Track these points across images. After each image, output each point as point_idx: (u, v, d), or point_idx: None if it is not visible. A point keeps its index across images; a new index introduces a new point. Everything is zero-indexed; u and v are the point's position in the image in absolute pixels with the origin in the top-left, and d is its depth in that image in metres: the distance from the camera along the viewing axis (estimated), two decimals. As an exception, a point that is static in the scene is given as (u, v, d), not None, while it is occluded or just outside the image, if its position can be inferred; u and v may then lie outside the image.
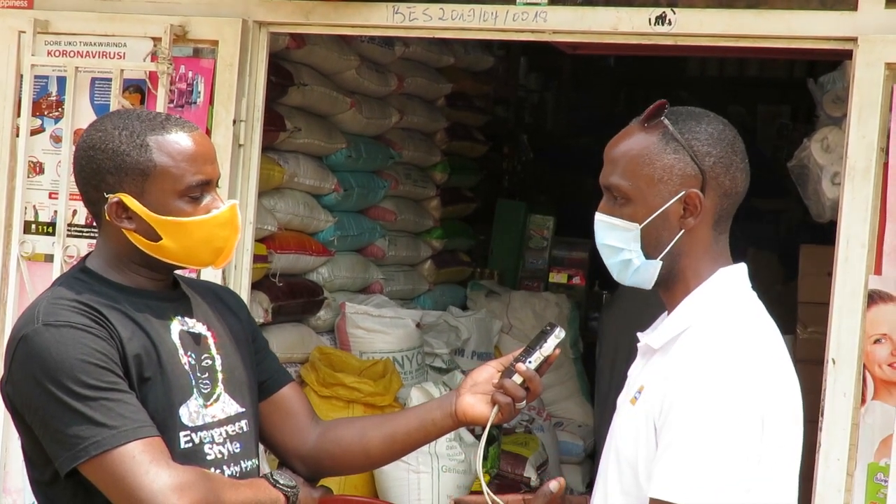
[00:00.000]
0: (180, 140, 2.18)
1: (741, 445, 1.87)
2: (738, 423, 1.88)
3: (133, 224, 2.19)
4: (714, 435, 1.87)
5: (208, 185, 2.22)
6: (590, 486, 5.78)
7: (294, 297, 4.86)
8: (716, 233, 2.06)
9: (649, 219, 2.03)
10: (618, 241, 2.07)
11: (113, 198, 2.17)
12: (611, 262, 2.10)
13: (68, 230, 4.01)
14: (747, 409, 1.89)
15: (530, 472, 5.31)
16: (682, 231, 2.03)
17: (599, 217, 2.10)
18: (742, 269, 2.10)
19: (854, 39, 3.37)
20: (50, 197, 4.06)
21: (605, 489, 2.06)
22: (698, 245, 2.05)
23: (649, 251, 2.05)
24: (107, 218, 2.19)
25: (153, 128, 2.18)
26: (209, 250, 2.24)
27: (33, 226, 4.07)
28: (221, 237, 2.24)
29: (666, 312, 2.14)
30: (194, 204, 2.20)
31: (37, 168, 4.08)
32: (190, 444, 2.18)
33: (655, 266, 2.06)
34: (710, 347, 1.95)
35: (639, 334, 2.17)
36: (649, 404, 1.98)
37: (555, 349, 2.30)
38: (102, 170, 2.17)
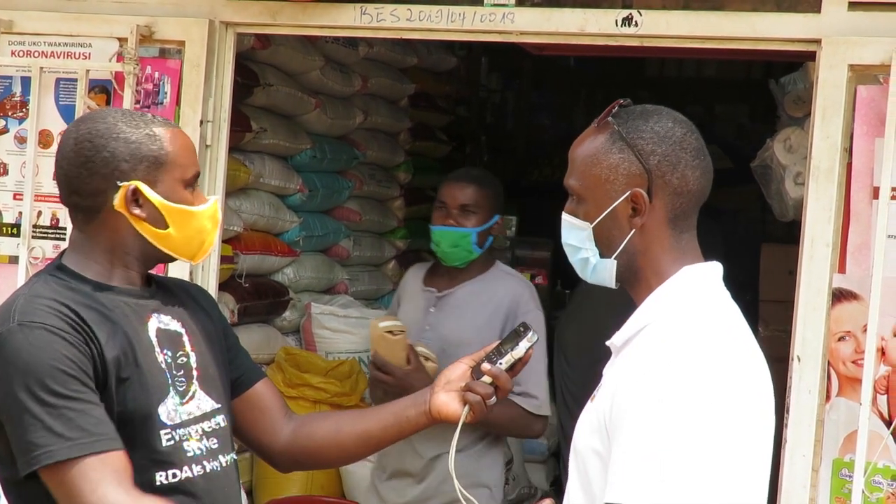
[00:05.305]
0: (176, 133, 2.24)
1: (694, 446, 1.80)
2: (691, 422, 1.81)
3: (144, 212, 2.20)
4: (665, 436, 1.80)
5: (197, 178, 2.28)
6: (553, 483, 5.81)
7: (260, 298, 4.85)
8: (675, 231, 2.03)
9: (599, 218, 2.04)
10: (575, 241, 2.09)
11: (129, 185, 2.18)
12: (573, 260, 2.13)
13: (33, 231, 3.97)
14: (701, 407, 1.82)
15: (496, 471, 5.32)
16: (633, 231, 2.03)
17: (563, 216, 2.12)
18: (713, 267, 2.05)
19: (818, 41, 3.40)
20: (14, 198, 4.02)
21: (568, 485, 2.06)
22: (655, 244, 2.03)
23: (603, 250, 2.06)
24: (115, 207, 2.19)
25: (147, 122, 2.22)
26: (198, 241, 2.28)
27: (-3, 227, 4.04)
28: (208, 230, 2.28)
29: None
30: (192, 195, 2.26)
31: (1, 169, 4.04)
32: (171, 442, 2.18)
33: (611, 264, 2.06)
34: (662, 345, 1.90)
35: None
36: (602, 402, 1.97)
37: (527, 351, 2.32)
38: (117, 157, 2.17)
